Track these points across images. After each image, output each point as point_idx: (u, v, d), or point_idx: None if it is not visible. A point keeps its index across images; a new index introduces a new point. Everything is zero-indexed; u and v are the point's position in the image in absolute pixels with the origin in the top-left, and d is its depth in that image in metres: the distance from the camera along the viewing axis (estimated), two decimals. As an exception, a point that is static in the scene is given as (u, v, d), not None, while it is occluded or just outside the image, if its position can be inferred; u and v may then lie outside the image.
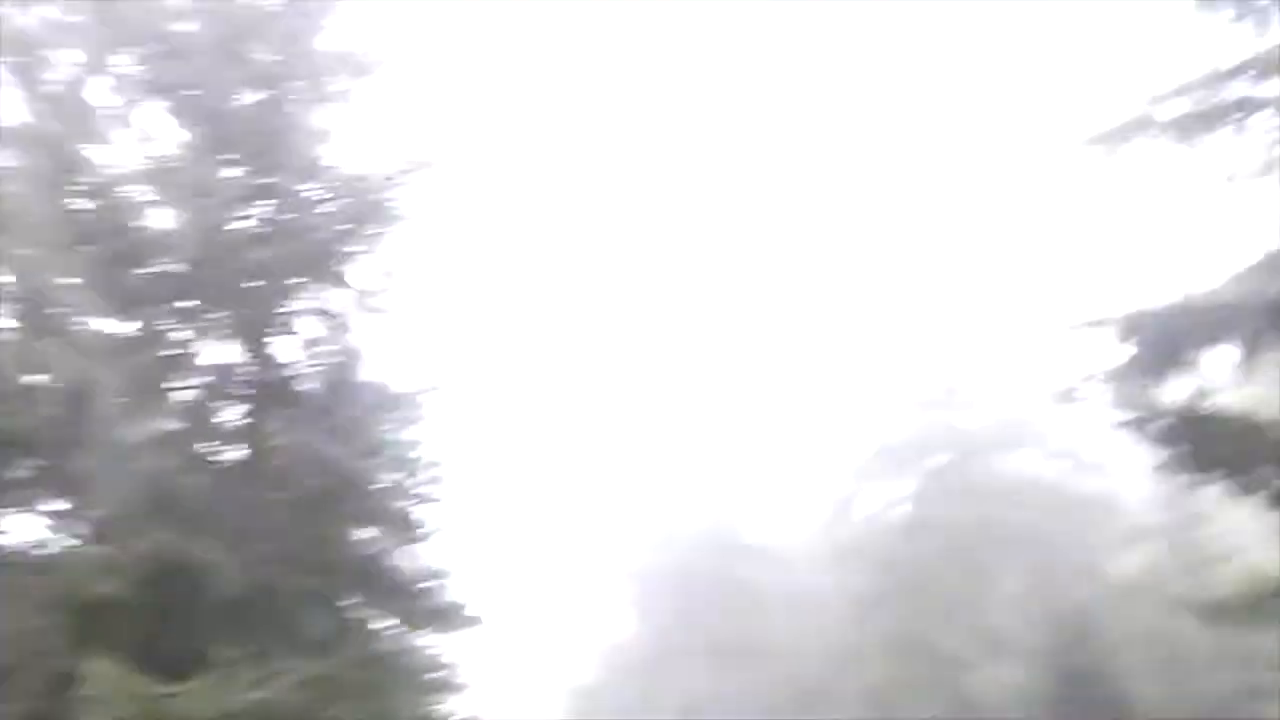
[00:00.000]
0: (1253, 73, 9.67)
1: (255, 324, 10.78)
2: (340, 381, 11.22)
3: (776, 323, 33.58)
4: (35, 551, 9.45)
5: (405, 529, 11.52)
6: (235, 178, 10.67)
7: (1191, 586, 20.25)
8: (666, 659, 32.38)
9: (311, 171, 11.36)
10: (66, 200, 9.81)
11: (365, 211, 11.32)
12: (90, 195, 10.00)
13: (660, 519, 33.95)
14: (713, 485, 34.01)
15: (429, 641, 13.74)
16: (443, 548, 14.49)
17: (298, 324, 11.26)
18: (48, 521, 9.95)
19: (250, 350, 10.88)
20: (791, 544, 33.23)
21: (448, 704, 13.19)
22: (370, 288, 11.60)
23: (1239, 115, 9.98)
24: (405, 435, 11.96)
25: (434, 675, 13.85)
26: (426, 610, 11.78)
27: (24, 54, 10.17)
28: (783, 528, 34.69)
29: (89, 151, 10.42)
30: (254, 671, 8.74)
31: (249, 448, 10.40)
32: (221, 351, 10.85)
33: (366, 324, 11.73)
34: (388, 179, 11.46)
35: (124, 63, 10.72)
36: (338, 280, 11.36)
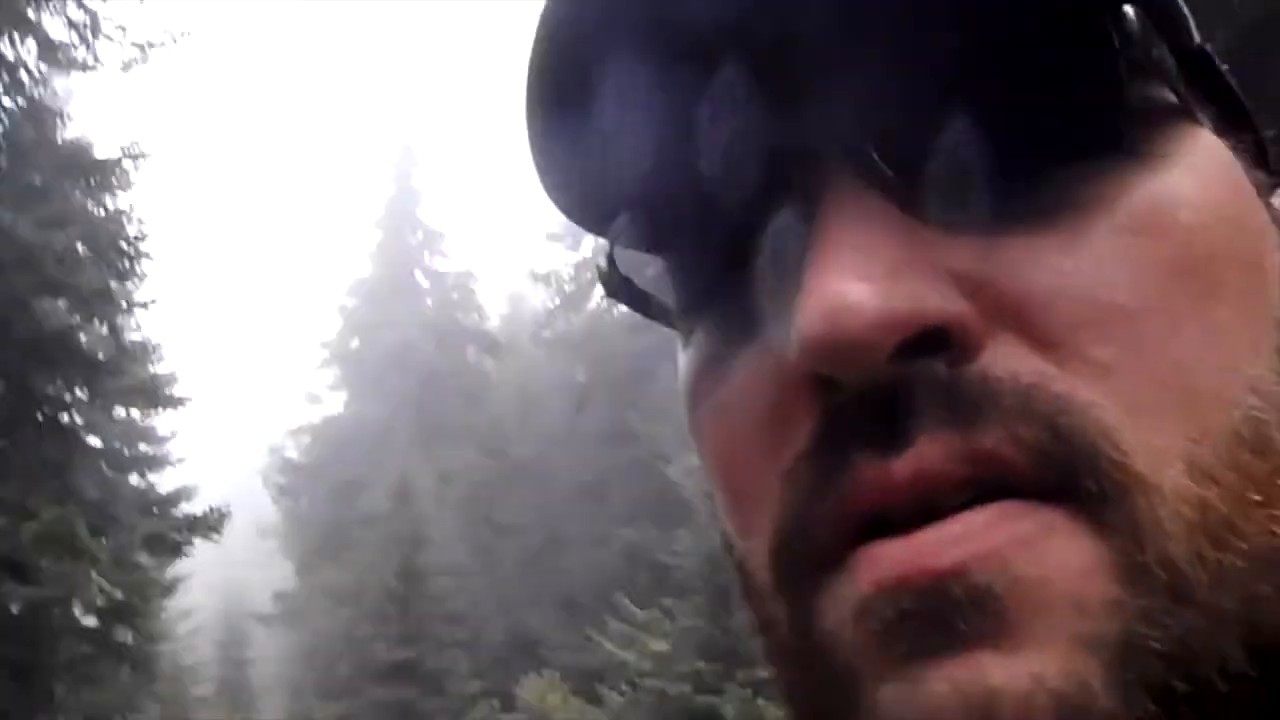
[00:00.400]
0: None
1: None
2: (23, 142, 10.30)
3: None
4: None
5: (100, 302, 11.00)
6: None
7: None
8: (381, 436, 32.87)
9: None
10: None
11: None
12: None
13: (366, 296, 33.83)
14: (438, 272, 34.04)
15: (130, 418, 13.43)
16: (147, 322, 13.90)
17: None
18: None
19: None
20: (517, 333, 33.96)
21: (142, 480, 13.04)
22: (65, 38, 10.58)
23: None
24: (104, 203, 11.26)
25: (127, 453, 13.59)
26: (124, 387, 11.43)
27: None
28: (509, 316, 35.34)
29: None
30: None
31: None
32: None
33: (60, 80, 10.76)
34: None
35: None
36: (22, 26, 10.26)
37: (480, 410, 33.01)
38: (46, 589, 11.16)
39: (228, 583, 36.96)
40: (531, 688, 24.47)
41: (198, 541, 10.63)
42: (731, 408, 0.40)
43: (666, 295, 0.45)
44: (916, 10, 0.35)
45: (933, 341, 0.33)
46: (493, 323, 36.19)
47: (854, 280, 0.33)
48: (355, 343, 35.88)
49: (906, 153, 0.35)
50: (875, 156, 0.35)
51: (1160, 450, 0.33)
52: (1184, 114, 0.37)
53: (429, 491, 30.28)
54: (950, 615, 0.32)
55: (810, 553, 0.36)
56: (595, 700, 23.35)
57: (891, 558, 0.33)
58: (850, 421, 0.34)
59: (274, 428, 36.59)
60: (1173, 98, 0.37)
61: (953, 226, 0.35)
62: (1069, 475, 0.32)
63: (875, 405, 0.34)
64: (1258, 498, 0.33)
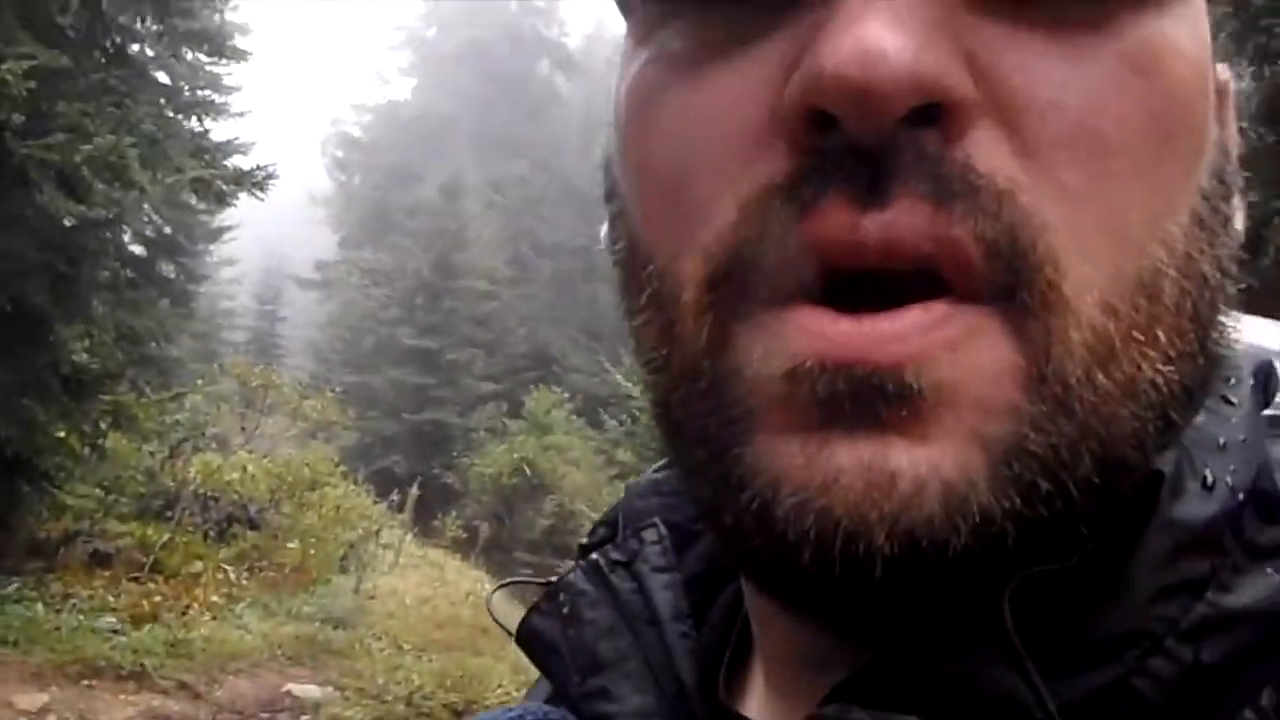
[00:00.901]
0: None
1: None
2: None
3: None
4: None
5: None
6: None
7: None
8: (441, 129, 32.79)
9: None
10: None
11: None
12: None
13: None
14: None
15: (199, 60, 13.52)
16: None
17: None
18: None
19: None
20: (595, 54, 33.19)
21: (200, 125, 13.25)
22: None
23: None
24: None
25: (189, 94, 13.77)
26: (191, 30, 11.49)
27: None
28: (593, 36, 34.37)
29: None
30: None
31: None
32: None
33: None
34: None
35: None
36: None
37: (543, 125, 32.78)
38: (97, 210, 11.61)
39: (274, 241, 37.83)
40: (539, 399, 25.53)
41: (247, 196, 10.91)
42: (695, 115, 0.39)
43: None
44: None
45: (935, 111, 0.34)
46: (573, 40, 35.33)
47: (893, 30, 0.33)
48: (432, 31, 35.24)
49: None
50: None
51: (1085, 279, 0.35)
52: None
53: (479, 194, 30.51)
54: (874, 403, 0.34)
55: (756, 283, 0.36)
56: (597, 424, 24.38)
57: (841, 339, 0.34)
58: (835, 165, 0.35)
59: (339, 101, 36.45)
60: None
61: (974, 6, 0.35)
62: (1011, 283, 0.34)
63: (864, 156, 0.34)
64: (1140, 337, 0.36)
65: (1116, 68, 0.36)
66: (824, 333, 0.35)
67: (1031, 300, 0.34)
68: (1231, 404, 0.43)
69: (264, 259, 36.77)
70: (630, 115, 0.42)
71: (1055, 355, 0.35)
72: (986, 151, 0.35)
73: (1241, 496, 0.40)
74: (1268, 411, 0.45)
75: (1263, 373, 0.47)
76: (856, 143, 0.34)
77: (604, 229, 0.50)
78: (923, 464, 0.34)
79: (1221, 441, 0.41)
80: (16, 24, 9.23)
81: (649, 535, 0.56)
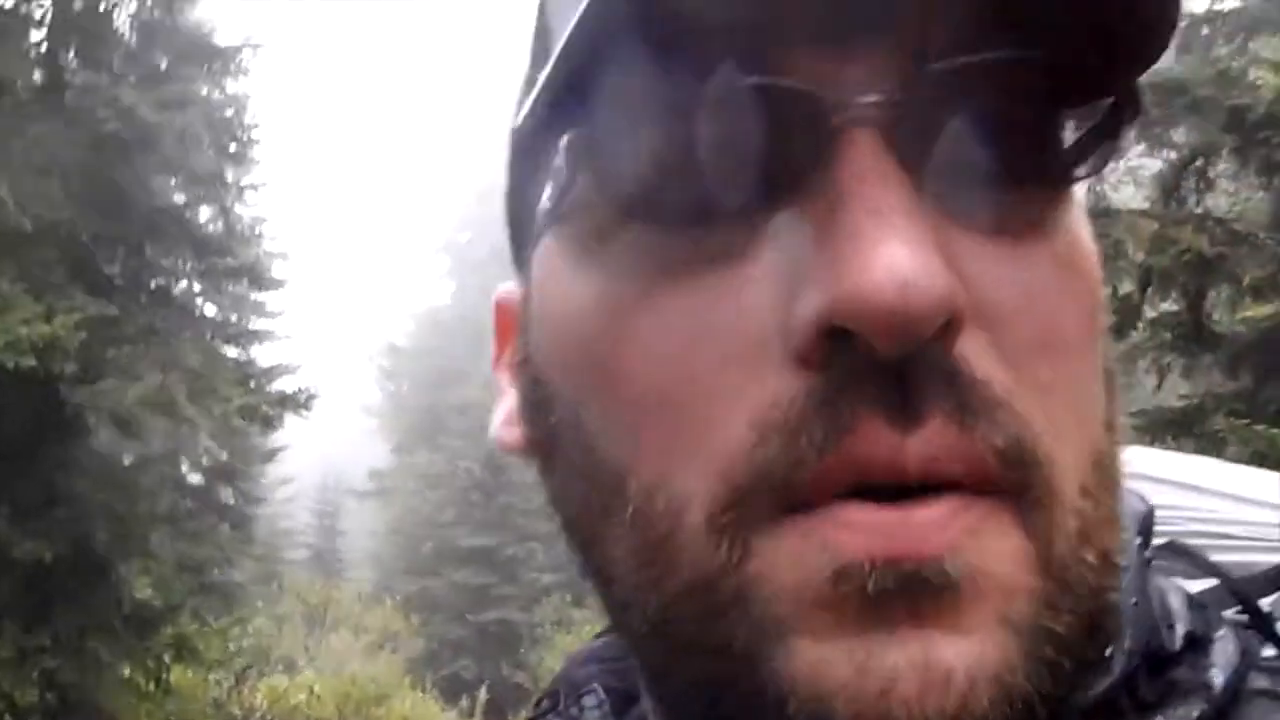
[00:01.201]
0: None
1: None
2: (153, 23, 10.81)
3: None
4: None
5: (212, 184, 11.55)
6: None
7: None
8: (482, 329, 33.52)
9: None
10: None
11: None
12: None
13: (482, 195, 34.28)
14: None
15: (241, 292, 14.09)
16: (257, 205, 14.52)
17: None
18: None
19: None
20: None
21: (245, 353, 13.72)
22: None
23: None
24: (222, 89, 11.75)
25: (235, 323, 14.31)
26: (230, 266, 12.02)
27: None
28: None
29: None
30: (37, 306, 8.96)
31: (46, 82, 10.09)
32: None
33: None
34: None
35: None
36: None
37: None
38: (155, 446, 11.93)
39: (328, 456, 38.38)
40: (602, 586, 25.08)
41: (301, 414, 11.17)
42: (684, 332, 0.38)
43: (576, 187, 0.42)
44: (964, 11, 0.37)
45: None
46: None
47: (915, 250, 0.34)
48: (466, 236, 36.53)
49: (920, 131, 0.37)
50: (906, 125, 0.36)
51: (1067, 467, 0.37)
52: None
53: (523, 388, 30.89)
54: (920, 596, 0.34)
55: (784, 500, 0.36)
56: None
57: (888, 531, 0.35)
58: (863, 382, 0.35)
59: (383, 312, 37.55)
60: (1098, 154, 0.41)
61: (948, 215, 0.37)
62: (1021, 484, 0.36)
63: (889, 372, 0.35)
64: (1105, 512, 0.39)
65: (1059, 271, 0.39)
66: (872, 528, 0.35)
67: (1039, 496, 0.36)
68: (1123, 566, 0.44)
69: (320, 474, 37.22)
70: (599, 328, 0.41)
71: (1056, 540, 0.37)
72: (980, 359, 0.36)
73: (1137, 661, 0.43)
74: (1148, 554, 0.49)
75: (1144, 525, 0.51)
76: (883, 359, 0.35)
77: (498, 420, 0.52)
78: (970, 656, 0.35)
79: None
80: (67, 279, 9.75)
81: (588, 701, 0.58)
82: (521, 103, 0.44)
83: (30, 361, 8.50)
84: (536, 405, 0.46)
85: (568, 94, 0.38)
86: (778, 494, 0.36)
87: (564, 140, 0.40)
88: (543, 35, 0.46)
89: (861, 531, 0.35)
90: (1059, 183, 0.41)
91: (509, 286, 0.54)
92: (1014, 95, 0.38)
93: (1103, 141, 0.40)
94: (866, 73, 0.37)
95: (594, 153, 0.40)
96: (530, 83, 0.43)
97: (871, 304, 0.34)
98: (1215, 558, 0.53)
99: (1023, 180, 0.39)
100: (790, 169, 0.37)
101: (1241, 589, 0.50)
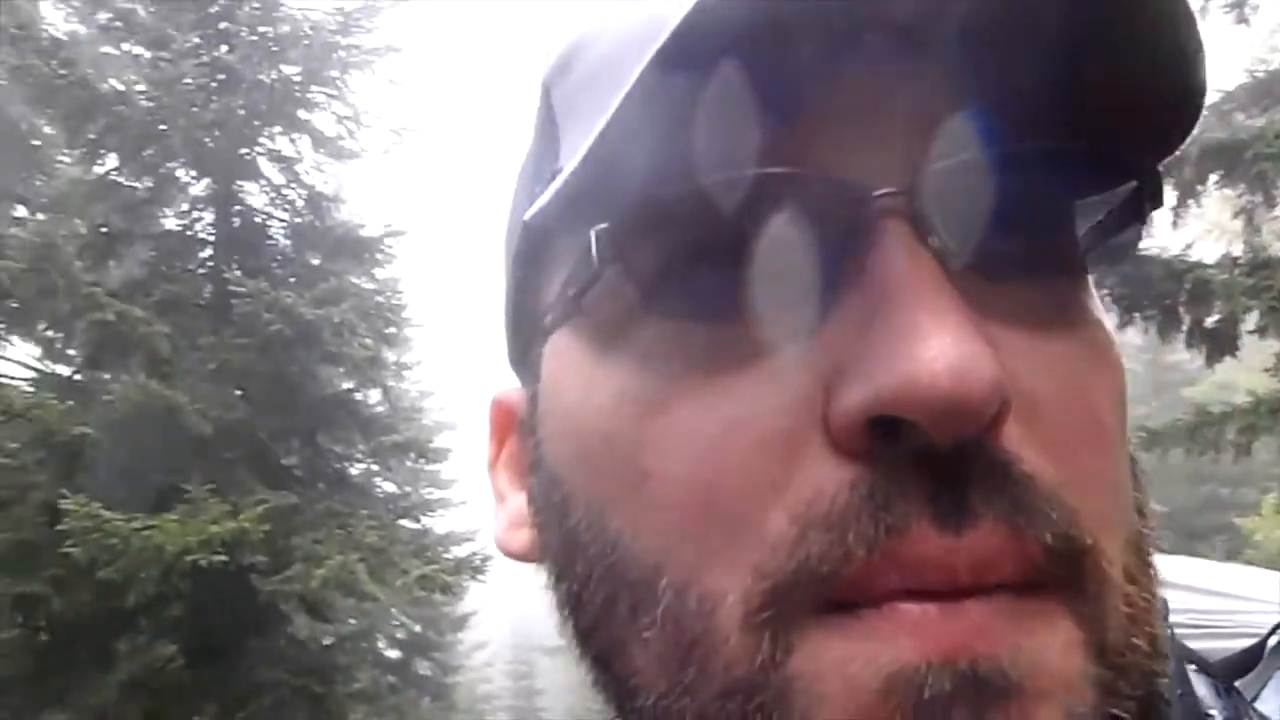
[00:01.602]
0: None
1: (217, 172, 11.07)
2: (303, 226, 11.59)
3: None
4: (16, 394, 10.03)
5: (371, 369, 12.09)
6: (191, 23, 10.77)
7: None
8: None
9: (270, 16, 11.42)
10: (22, 57, 9.96)
11: (327, 54, 11.44)
12: (45, 53, 10.13)
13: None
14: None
15: (411, 471, 14.59)
16: (416, 386, 15.13)
17: (261, 170, 11.54)
18: (24, 365, 10.60)
19: (214, 198, 11.21)
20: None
21: (421, 525, 14.10)
22: (335, 132, 11.84)
23: None
24: (373, 278, 12.43)
25: (410, 496, 14.77)
26: (395, 443, 12.46)
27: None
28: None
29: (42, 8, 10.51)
30: (224, 504, 9.44)
31: (214, 293, 10.87)
32: (185, 200, 11.19)
33: (332, 168, 12.01)
34: (350, 20, 11.56)
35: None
36: (300, 126, 11.57)
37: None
38: (348, 625, 12.26)
39: (518, 616, 38.66)
40: None
41: (486, 577, 11.35)
42: (717, 428, 0.37)
43: (604, 279, 0.40)
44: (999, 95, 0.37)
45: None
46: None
47: (965, 339, 0.33)
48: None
49: (946, 221, 0.36)
50: (939, 218, 0.36)
51: (1114, 555, 0.37)
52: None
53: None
54: (980, 694, 0.33)
55: (823, 594, 0.35)
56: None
57: (940, 631, 0.34)
58: (911, 477, 0.34)
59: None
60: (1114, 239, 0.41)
61: (979, 306, 0.36)
62: (1073, 577, 0.36)
63: (939, 465, 0.34)
64: (1148, 596, 0.38)
65: (1089, 358, 0.39)
66: (926, 629, 0.34)
67: (1090, 586, 0.36)
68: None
69: (511, 635, 37.43)
70: (625, 422, 0.39)
71: (1109, 627, 0.36)
72: (1025, 449, 0.36)
73: None
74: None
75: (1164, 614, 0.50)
76: (936, 449, 0.34)
77: (501, 526, 0.51)
78: None
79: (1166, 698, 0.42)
80: (249, 475, 10.30)
81: None
82: (533, 193, 0.43)
83: (223, 557, 8.91)
84: (552, 507, 0.44)
85: (594, 188, 0.37)
86: (821, 590, 0.35)
87: (596, 231, 0.39)
88: (549, 126, 0.45)
89: (916, 634, 0.34)
90: (1084, 270, 0.41)
91: (506, 389, 0.54)
92: (1037, 184, 0.37)
93: (1128, 225, 0.40)
94: (891, 163, 0.37)
95: (626, 244, 0.39)
96: (541, 174, 0.44)
97: (929, 392, 0.33)
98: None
99: (1048, 268, 0.39)
100: (823, 260, 0.37)
101: (1216, 673, 0.51)
